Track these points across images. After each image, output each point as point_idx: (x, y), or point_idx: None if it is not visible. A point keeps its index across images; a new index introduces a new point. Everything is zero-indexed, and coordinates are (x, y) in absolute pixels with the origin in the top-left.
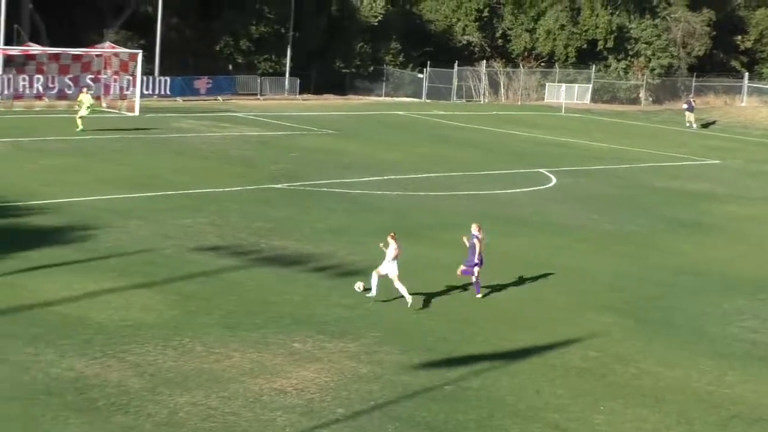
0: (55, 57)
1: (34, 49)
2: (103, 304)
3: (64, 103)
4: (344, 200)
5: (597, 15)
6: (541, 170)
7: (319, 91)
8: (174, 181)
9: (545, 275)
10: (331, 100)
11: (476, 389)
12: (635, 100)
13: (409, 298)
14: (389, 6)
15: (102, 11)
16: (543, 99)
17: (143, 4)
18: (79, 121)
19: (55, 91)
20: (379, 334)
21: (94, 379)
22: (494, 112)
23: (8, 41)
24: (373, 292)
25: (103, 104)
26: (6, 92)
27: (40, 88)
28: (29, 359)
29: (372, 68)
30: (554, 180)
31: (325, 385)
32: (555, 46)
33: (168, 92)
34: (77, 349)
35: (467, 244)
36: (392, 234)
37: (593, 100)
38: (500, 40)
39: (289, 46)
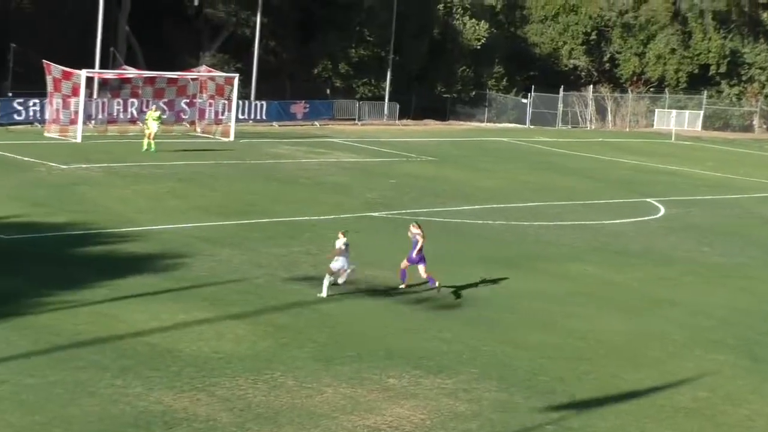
0: (151, 80)
1: (130, 72)
2: (194, 335)
3: (160, 127)
4: (444, 229)
5: (709, 39)
6: (649, 200)
7: (419, 116)
8: (268, 209)
9: (655, 309)
10: (432, 125)
11: (577, 429)
12: (748, 128)
13: (324, 292)
14: (493, 29)
15: (199, 34)
16: (652, 125)
17: (241, 26)
18: (145, 142)
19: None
20: (478, 370)
21: (182, 413)
22: (601, 139)
23: (104, 64)
24: (323, 293)
25: (198, 129)
26: (100, 116)
27: (135, 113)
28: (117, 391)
29: (474, 93)
30: (663, 210)
31: (421, 423)
32: (665, 70)
33: (264, 117)
34: (166, 382)
35: (411, 238)
36: (343, 231)
37: (704, 127)
38: (608, 64)
39: (389, 69)
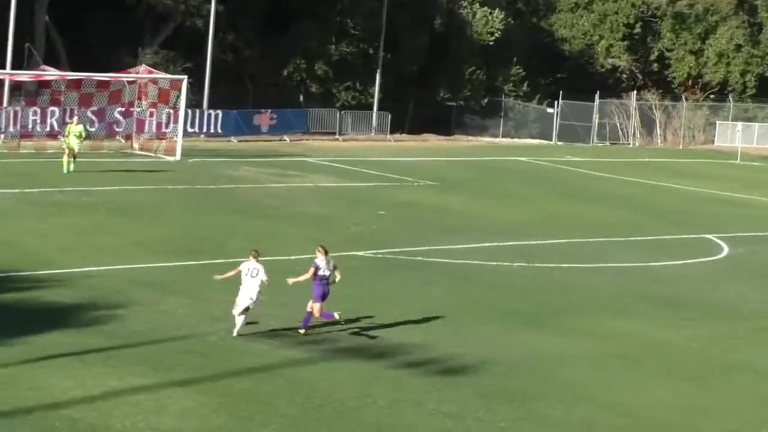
0: (76, 84)
1: (50, 73)
2: (128, 408)
3: (85, 143)
4: (446, 273)
5: None
6: (708, 236)
7: (416, 129)
8: (225, 246)
9: (720, 378)
10: (432, 141)
11: None
12: None
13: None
14: (510, 20)
15: (138, 25)
16: (712, 142)
17: (191, 16)
18: (65, 161)
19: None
20: None
21: None
22: (647, 159)
23: (16, 64)
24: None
25: (135, 145)
26: (12, 129)
27: (55, 124)
28: None
29: (486, 100)
30: (726, 249)
31: None
32: (729, 72)
33: (219, 130)
34: None
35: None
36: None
37: None
38: (656, 65)
39: (378, 71)
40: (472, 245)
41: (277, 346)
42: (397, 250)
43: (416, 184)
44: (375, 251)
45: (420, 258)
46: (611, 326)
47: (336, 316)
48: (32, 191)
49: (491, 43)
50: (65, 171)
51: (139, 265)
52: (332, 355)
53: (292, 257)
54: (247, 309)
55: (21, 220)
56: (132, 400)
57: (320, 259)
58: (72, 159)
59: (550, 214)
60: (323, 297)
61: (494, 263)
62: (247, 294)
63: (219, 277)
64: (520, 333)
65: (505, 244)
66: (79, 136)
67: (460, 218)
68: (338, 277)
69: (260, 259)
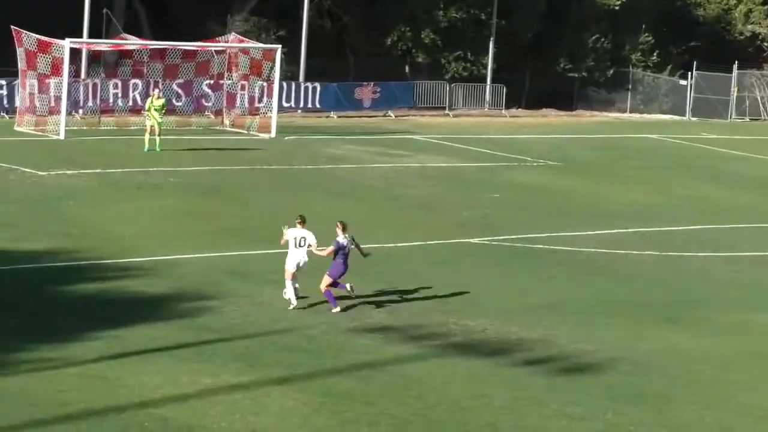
0: (160, 54)
1: (131, 42)
2: (223, 407)
3: (171, 119)
4: (569, 262)
5: None
6: None
7: (534, 104)
8: (326, 232)
9: None
10: (552, 116)
11: None
12: None
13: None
14: None
15: None
16: None
17: None
18: (147, 139)
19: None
20: None
21: None
22: None
23: (95, 32)
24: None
25: (226, 122)
26: (91, 103)
27: (138, 98)
28: None
29: (612, 71)
30: None
31: None
32: None
33: (317, 105)
34: None
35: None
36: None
37: None
38: None
39: (491, 39)
40: (598, 232)
41: (384, 342)
42: (514, 236)
43: (535, 164)
44: (489, 238)
45: (540, 246)
46: (750, 321)
47: (348, 287)
48: (114, 171)
49: (617, 8)
50: (146, 149)
51: (233, 253)
52: (444, 351)
53: (398, 244)
54: (296, 276)
55: (102, 203)
56: (228, 398)
57: (341, 237)
58: (156, 137)
59: (683, 197)
60: (340, 275)
61: (622, 252)
62: (295, 261)
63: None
64: (651, 328)
65: (634, 230)
66: (161, 108)
67: (584, 202)
68: (365, 251)
69: (365, 245)
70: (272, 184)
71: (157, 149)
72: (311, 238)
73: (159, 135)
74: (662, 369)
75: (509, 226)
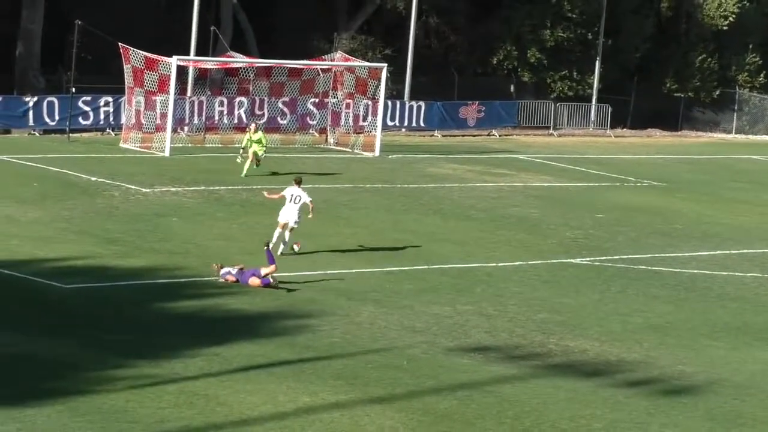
0: (266, 72)
1: (237, 60)
2: (323, 425)
3: (275, 137)
4: (673, 283)
5: None
6: None
7: (639, 124)
8: (428, 251)
9: None
10: (657, 137)
11: None
12: None
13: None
14: (745, 1)
15: (332, 9)
16: None
17: None
18: (246, 165)
19: (263, 119)
20: None
21: None
22: None
23: (202, 50)
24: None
25: (331, 140)
26: (196, 120)
27: (243, 116)
28: None
29: (718, 92)
30: None
31: None
32: None
33: (422, 124)
34: None
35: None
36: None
37: None
38: None
39: (598, 58)
40: (701, 253)
41: (483, 362)
42: (617, 257)
43: (639, 184)
44: (593, 258)
45: (643, 266)
46: None
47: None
48: (218, 189)
49: (724, 28)
50: (243, 174)
51: (333, 271)
52: (544, 371)
53: (500, 264)
54: (286, 227)
55: (206, 220)
56: (326, 417)
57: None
58: (256, 165)
59: None
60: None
61: (725, 273)
62: (288, 215)
63: (267, 194)
64: (754, 350)
65: (737, 252)
66: (260, 143)
67: (687, 223)
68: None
69: (468, 265)
70: (375, 202)
71: (243, 174)
72: (306, 197)
73: (258, 164)
74: (764, 392)
75: (612, 247)
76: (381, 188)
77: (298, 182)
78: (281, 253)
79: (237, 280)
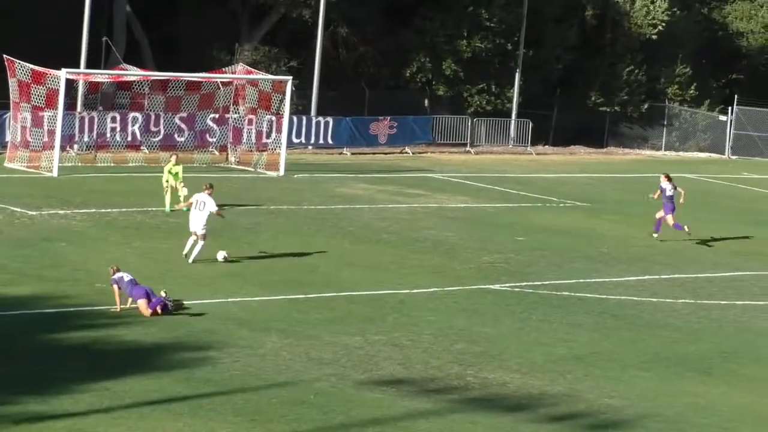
0: (161, 86)
1: (131, 73)
2: None
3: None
4: (599, 310)
5: None
6: None
7: (562, 140)
8: (335, 277)
9: None
10: (582, 154)
11: None
12: None
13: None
14: (676, 9)
15: (234, 17)
16: None
17: (297, 6)
18: (167, 199)
19: (159, 137)
20: None
21: None
22: None
23: (93, 62)
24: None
25: (232, 158)
26: (87, 138)
27: (137, 133)
28: None
29: (647, 106)
30: None
31: None
32: None
33: (330, 141)
34: None
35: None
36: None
37: None
38: None
39: (518, 70)
40: (629, 278)
41: (397, 396)
42: (539, 283)
43: (562, 204)
44: (513, 284)
45: (566, 292)
46: None
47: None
48: (110, 211)
49: (653, 37)
50: (168, 210)
51: (234, 299)
52: (461, 406)
53: (414, 290)
54: (198, 235)
55: (97, 245)
56: None
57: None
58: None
59: (721, 241)
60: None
61: (655, 299)
62: (194, 223)
63: (181, 205)
64: (686, 382)
65: (667, 276)
66: (177, 177)
67: (614, 246)
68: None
69: (379, 291)
70: (280, 225)
71: (167, 209)
72: (211, 205)
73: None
74: (697, 426)
75: (533, 272)
76: (286, 210)
77: (207, 188)
78: (192, 261)
79: (122, 291)
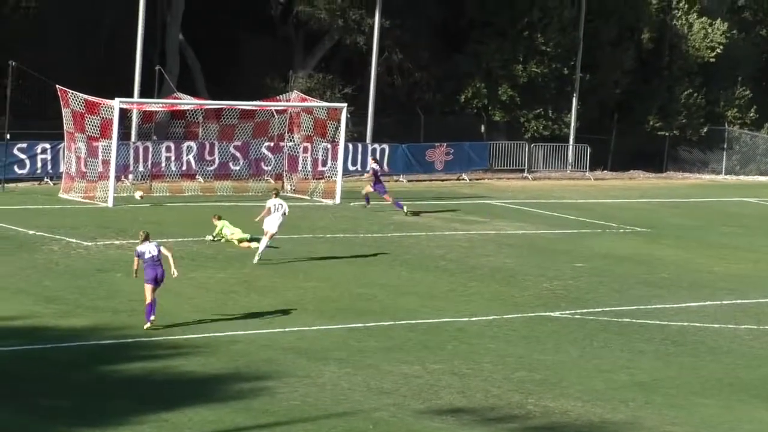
0: (215, 114)
1: (185, 102)
2: None
3: (226, 184)
4: (660, 337)
5: None
6: None
7: (620, 165)
8: (393, 306)
9: None
10: (641, 179)
11: None
12: None
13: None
14: (735, 32)
15: (288, 45)
16: None
17: (351, 32)
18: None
19: (214, 166)
20: None
21: None
22: None
23: (146, 90)
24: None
25: (288, 187)
26: (141, 168)
27: (192, 162)
28: None
29: (706, 129)
30: None
31: None
32: None
33: (386, 168)
34: None
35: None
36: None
37: None
38: None
39: (575, 95)
40: (690, 304)
41: (457, 425)
42: (599, 309)
43: (621, 230)
44: (573, 311)
45: (627, 319)
46: None
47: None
48: (166, 241)
49: (711, 60)
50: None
51: (292, 329)
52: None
53: (473, 318)
54: (271, 234)
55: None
56: None
57: (142, 246)
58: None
59: None
60: (155, 280)
61: (717, 325)
62: (273, 224)
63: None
64: (749, 408)
65: (729, 302)
66: (219, 233)
67: (675, 272)
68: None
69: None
70: (336, 253)
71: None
72: (286, 207)
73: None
74: None
75: (593, 298)
76: (342, 238)
77: (276, 193)
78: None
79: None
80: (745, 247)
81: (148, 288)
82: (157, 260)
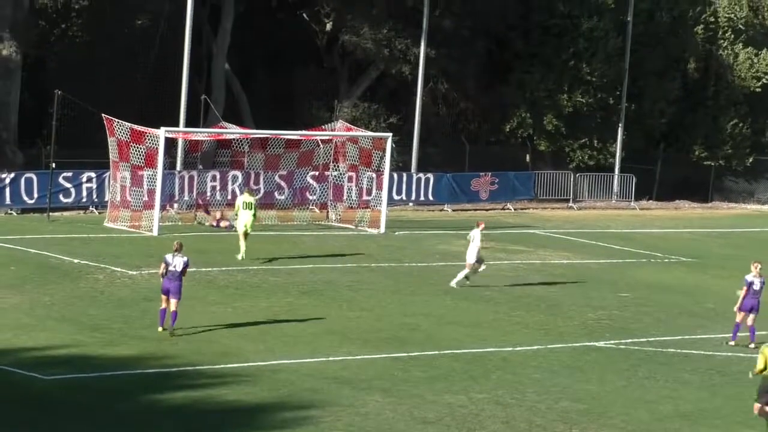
0: (261, 144)
1: (230, 131)
2: None
3: (271, 213)
4: (705, 367)
5: None
6: None
7: (666, 195)
8: (438, 336)
9: None
10: (686, 209)
11: None
12: None
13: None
14: None
15: (333, 74)
16: None
17: (396, 62)
18: (241, 244)
19: (259, 195)
20: None
21: None
22: None
23: (192, 120)
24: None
25: (332, 216)
26: (187, 197)
27: (237, 191)
28: None
29: (752, 159)
30: None
31: None
32: None
33: (431, 197)
34: None
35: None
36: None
37: None
38: None
39: (620, 125)
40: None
41: None
42: (644, 340)
43: (666, 260)
44: (617, 341)
45: (672, 349)
46: None
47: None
48: (211, 270)
49: (757, 90)
50: (240, 257)
51: (336, 358)
52: None
53: (517, 348)
54: (473, 265)
55: (197, 305)
56: None
57: (171, 256)
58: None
59: None
60: (166, 292)
61: None
62: (472, 255)
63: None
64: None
65: None
66: (251, 207)
67: (720, 302)
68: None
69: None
70: (380, 283)
71: (241, 256)
72: (478, 239)
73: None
74: None
75: (638, 328)
76: (387, 267)
77: (480, 224)
78: (460, 285)
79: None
80: None
81: (162, 296)
82: (176, 275)
